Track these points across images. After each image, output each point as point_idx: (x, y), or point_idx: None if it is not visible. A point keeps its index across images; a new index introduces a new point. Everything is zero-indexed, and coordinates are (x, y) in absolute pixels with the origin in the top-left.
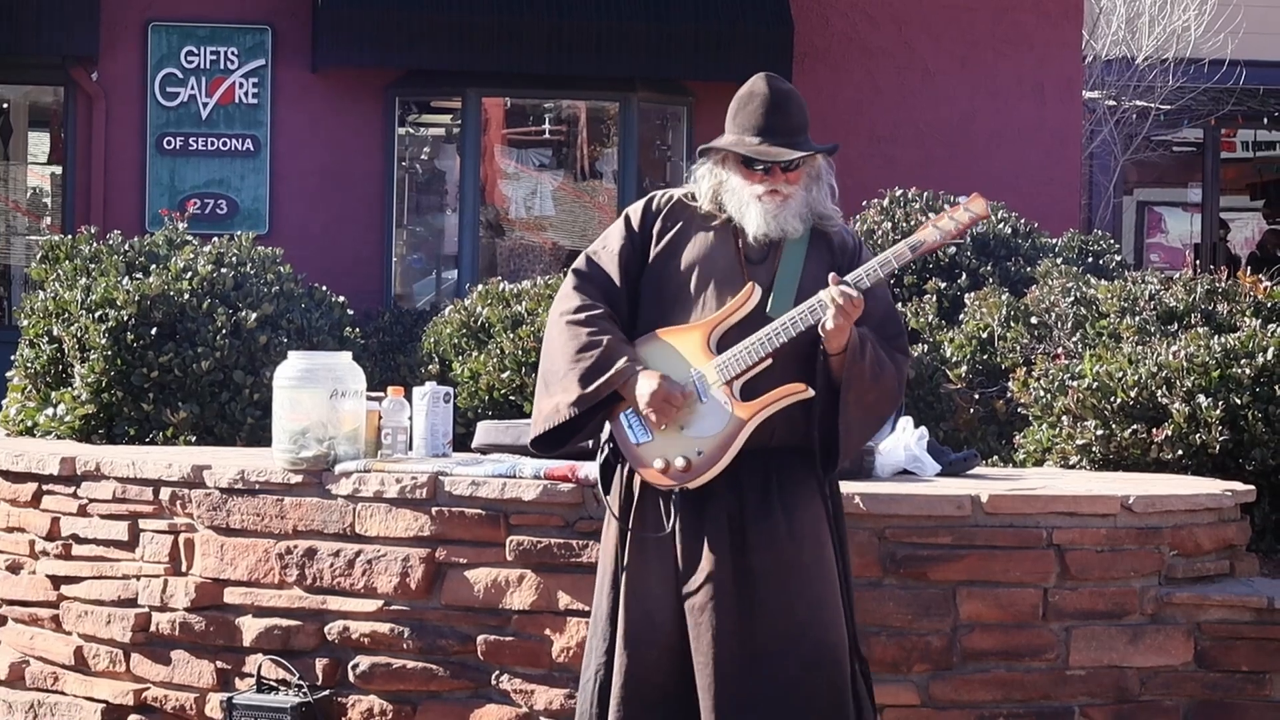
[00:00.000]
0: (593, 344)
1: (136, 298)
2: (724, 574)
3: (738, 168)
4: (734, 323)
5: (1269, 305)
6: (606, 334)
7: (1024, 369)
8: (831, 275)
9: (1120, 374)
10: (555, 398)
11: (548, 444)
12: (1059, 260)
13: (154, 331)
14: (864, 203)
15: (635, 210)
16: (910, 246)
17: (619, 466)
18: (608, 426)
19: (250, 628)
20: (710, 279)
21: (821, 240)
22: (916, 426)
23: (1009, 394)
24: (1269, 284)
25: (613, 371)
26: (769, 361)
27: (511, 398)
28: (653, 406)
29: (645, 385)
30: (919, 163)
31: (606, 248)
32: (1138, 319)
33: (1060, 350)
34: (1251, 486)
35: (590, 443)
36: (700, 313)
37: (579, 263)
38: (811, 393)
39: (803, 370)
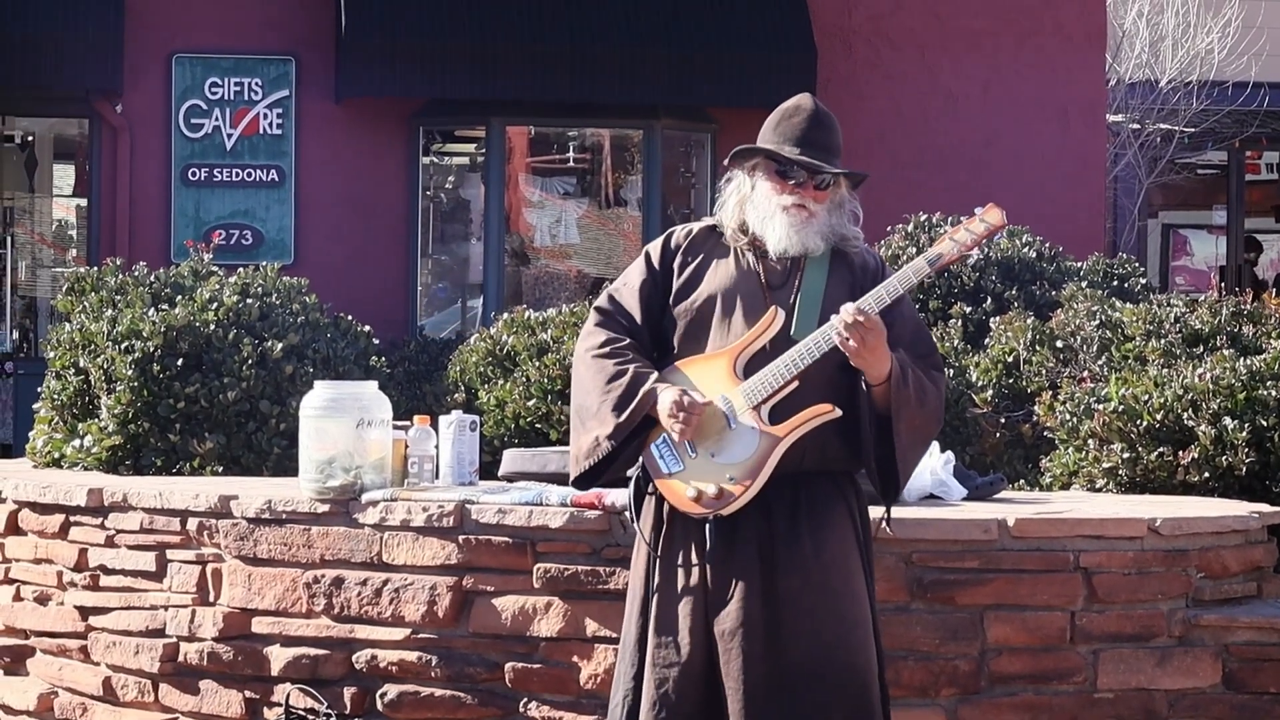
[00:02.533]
0: (620, 373)
1: (162, 329)
2: (753, 599)
3: (769, 176)
4: (759, 348)
5: None
6: (633, 363)
7: (1050, 393)
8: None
9: (1146, 397)
10: (593, 431)
11: (588, 479)
12: (1084, 284)
13: (180, 362)
14: (888, 228)
15: (655, 247)
16: (928, 261)
17: (650, 492)
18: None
19: (278, 657)
20: (733, 306)
21: (842, 261)
22: (943, 451)
23: (1035, 418)
24: None
25: (641, 394)
26: (796, 384)
27: (538, 425)
28: (673, 417)
29: (664, 398)
30: (942, 187)
31: (628, 284)
32: (1163, 342)
33: (1086, 374)
34: (1278, 508)
35: (627, 470)
36: (725, 340)
37: (601, 300)
38: (839, 413)
39: (831, 391)
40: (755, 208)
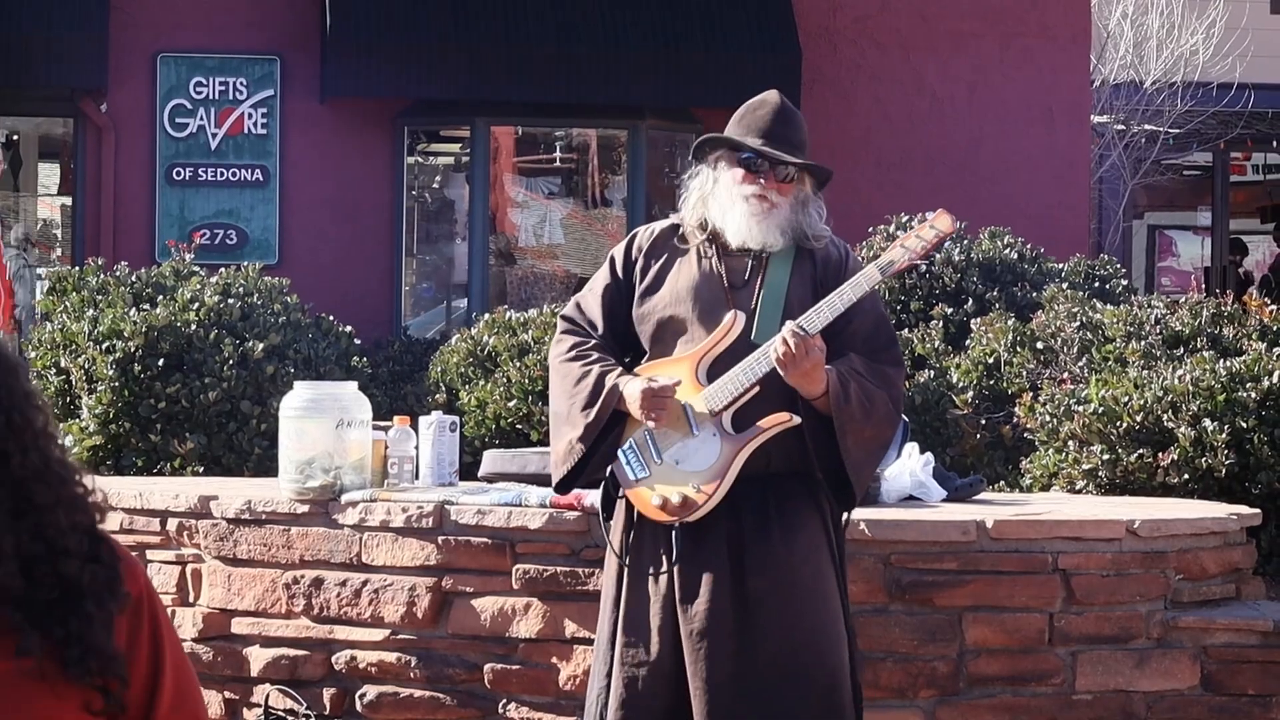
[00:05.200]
0: (585, 374)
1: (143, 329)
2: (722, 599)
3: (732, 168)
4: (720, 352)
5: (1275, 329)
6: (597, 362)
7: (1030, 394)
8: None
9: (1126, 398)
10: (566, 436)
11: (569, 483)
12: (1065, 285)
13: (161, 362)
14: (869, 229)
15: (619, 251)
16: (880, 268)
17: (618, 495)
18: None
19: (258, 658)
20: (695, 308)
21: (806, 257)
22: (922, 452)
23: (1015, 419)
24: (1275, 308)
25: (606, 391)
26: (756, 389)
27: (518, 426)
28: (645, 407)
29: (632, 389)
30: (928, 189)
31: (592, 291)
32: (1143, 343)
33: (1066, 375)
34: (1257, 510)
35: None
36: (688, 344)
37: (567, 309)
38: (799, 420)
39: (792, 396)
40: (717, 200)
